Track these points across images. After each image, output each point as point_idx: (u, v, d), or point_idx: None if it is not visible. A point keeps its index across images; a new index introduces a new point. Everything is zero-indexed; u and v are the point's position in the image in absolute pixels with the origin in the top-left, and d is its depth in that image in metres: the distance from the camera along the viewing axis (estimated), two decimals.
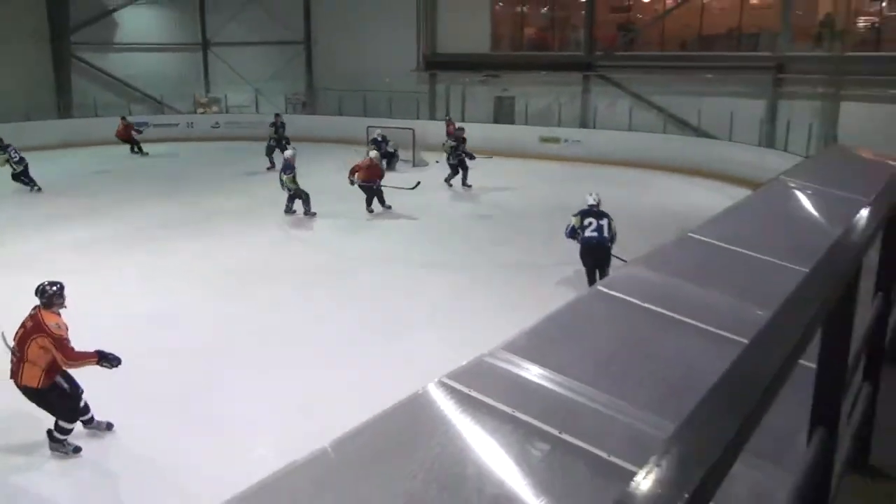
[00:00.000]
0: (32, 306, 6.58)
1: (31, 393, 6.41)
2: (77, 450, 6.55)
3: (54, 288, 6.51)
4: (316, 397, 7.51)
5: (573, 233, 10.66)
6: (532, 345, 2.50)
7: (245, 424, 7.15)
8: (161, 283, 11.45)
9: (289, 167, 15.42)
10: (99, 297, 10.70)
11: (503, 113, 25.62)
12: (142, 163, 22.92)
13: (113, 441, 6.85)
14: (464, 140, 18.70)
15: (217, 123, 27.97)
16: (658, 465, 0.91)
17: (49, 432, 6.52)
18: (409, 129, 22.34)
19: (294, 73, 29.63)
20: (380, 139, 21.32)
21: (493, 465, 1.89)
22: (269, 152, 21.38)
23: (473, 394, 2.13)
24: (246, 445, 6.69)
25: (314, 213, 15.62)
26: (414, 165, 21.80)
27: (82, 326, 9.34)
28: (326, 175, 20.45)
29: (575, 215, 10.71)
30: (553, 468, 1.92)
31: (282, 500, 1.73)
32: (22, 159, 18.05)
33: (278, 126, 22.01)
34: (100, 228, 14.61)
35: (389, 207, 15.94)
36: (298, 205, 15.72)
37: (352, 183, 15.68)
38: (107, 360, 6.55)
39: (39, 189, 18.15)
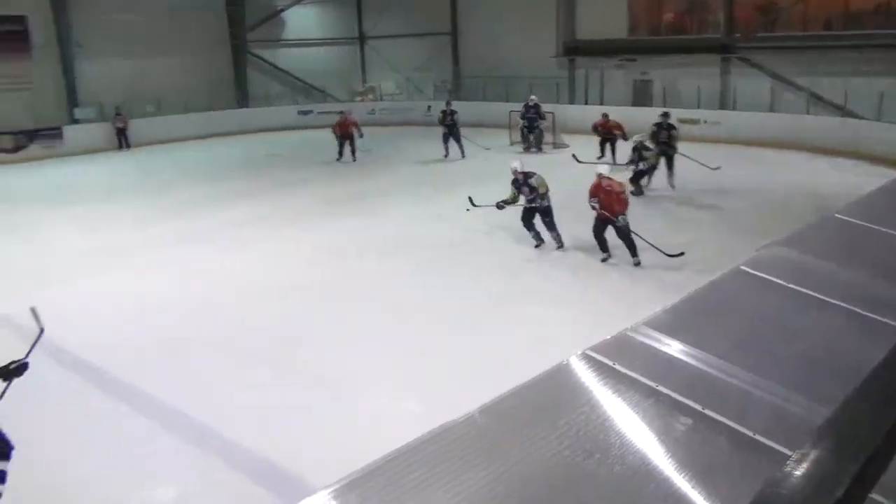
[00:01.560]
0: None
1: None
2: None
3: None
4: (457, 364, 7.55)
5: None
6: (674, 321, 2.42)
7: (389, 383, 7.25)
8: (318, 254, 11.86)
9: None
10: (263, 265, 11.30)
11: (641, 96, 24.80)
12: (309, 146, 23.69)
13: (265, 402, 7.04)
14: (671, 127, 15.34)
15: (373, 111, 28.35)
16: (815, 449, 0.85)
17: None
18: (550, 112, 22.04)
19: (441, 62, 29.75)
20: (531, 104, 20.81)
21: (636, 437, 1.84)
22: (445, 140, 20.32)
23: (617, 367, 2.09)
24: (391, 403, 6.80)
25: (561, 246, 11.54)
26: (555, 147, 21.56)
27: (243, 293, 10.00)
28: (473, 155, 20.59)
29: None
30: (696, 443, 1.85)
31: (433, 461, 1.72)
32: None
33: (447, 114, 20.14)
34: (267, 205, 15.30)
35: (638, 264, 10.54)
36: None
37: (592, 208, 10.67)
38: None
39: None
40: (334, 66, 30.29)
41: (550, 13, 26.30)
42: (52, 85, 24.41)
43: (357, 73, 30.90)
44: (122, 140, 24.32)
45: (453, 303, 9.45)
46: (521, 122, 21.26)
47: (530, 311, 9.04)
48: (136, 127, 24.75)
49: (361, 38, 30.92)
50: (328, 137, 21.03)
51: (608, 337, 2.27)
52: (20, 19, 23.80)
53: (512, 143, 22.17)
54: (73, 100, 24.71)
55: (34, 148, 22.85)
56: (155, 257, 11.93)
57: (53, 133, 23.62)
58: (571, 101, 25.76)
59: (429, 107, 27.50)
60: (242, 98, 28.74)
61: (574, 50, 26.34)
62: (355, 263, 11.32)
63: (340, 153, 20.62)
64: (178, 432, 6.50)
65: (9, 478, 4.79)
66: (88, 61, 24.84)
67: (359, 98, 29.80)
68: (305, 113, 28.25)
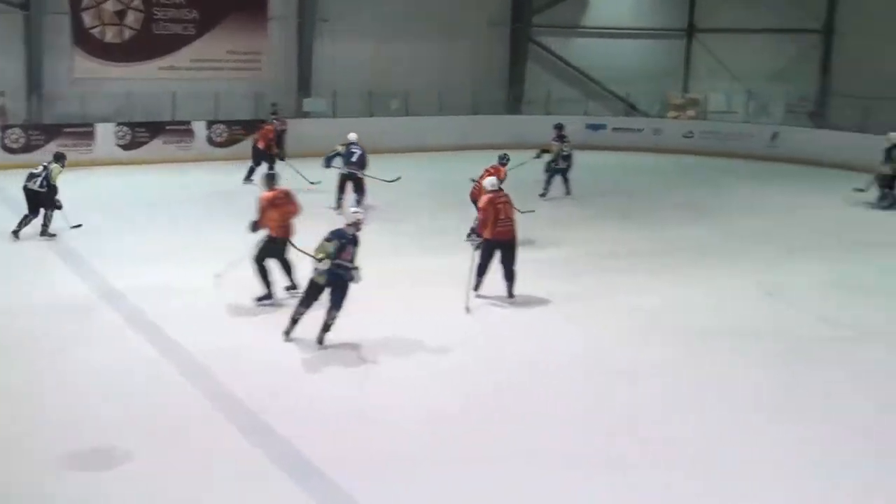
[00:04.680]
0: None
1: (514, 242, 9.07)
2: None
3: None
4: None
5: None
6: None
7: None
8: None
9: None
10: None
11: None
12: (593, 174, 17.19)
13: None
14: None
15: (690, 132, 22.50)
16: None
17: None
18: None
19: (802, 72, 22.37)
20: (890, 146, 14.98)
21: None
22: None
23: None
24: None
25: None
26: None
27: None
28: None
29: None
30: None
31: None
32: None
33: None
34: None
35: None
36: None
37: None
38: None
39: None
40: (646, 66, 24.21)
41: None
42: (282, 68, 21.23)
43: (677, 78, 24.62)
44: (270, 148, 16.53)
45: None
46: (882, 167, 15.36)
47: None
48: (375, 126, 20.26)
49: (690, 31, 24.60)
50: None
51: None
52: None
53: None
54: (304, 87, 20.97)
55: (248, 144, 18.84)
56: None
57: None
58: None
59: (774, 134, 21.33)
60: (516, 101, 23.94)
61: None
62: None
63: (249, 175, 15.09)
64: None
65: None
66: (328, 40, 21.37)
67: (673, 113, 23.86)
68: (595, 128, 22.77)
